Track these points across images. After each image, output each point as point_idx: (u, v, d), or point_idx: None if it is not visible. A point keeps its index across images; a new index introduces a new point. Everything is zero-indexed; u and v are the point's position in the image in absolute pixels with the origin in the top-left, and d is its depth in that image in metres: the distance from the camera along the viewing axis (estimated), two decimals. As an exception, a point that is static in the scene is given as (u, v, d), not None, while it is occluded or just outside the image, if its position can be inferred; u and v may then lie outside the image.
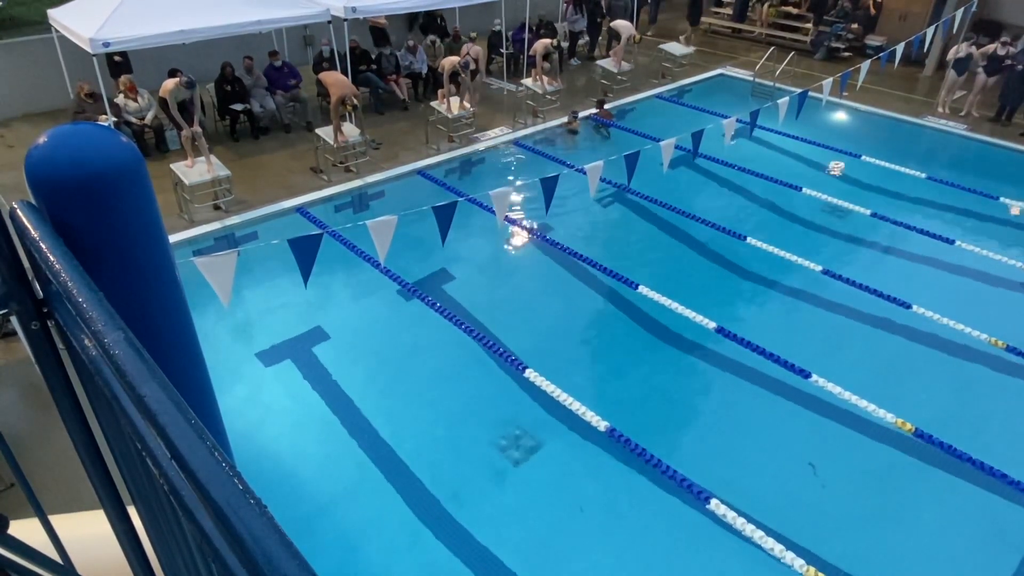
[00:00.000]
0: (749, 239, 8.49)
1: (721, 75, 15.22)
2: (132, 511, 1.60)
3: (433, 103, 11.36)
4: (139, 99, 10.05)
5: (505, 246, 8.41)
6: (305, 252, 5.26)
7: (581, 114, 12.13)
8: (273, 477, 5.27)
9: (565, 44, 15.52)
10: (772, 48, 15.57)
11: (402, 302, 7.32)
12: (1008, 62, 12.60)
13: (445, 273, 7.86)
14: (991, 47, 12.77)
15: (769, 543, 4.64)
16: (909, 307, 7.25)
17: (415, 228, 7.82)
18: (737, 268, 8.33)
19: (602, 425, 5.55)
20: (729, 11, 18.98)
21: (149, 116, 10.11)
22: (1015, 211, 9.69)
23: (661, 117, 12.57)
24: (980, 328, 6.90)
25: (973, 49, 12.79)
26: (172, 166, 8.78)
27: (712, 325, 6.85)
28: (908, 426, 5.72)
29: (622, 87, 13.71)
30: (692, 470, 5.28)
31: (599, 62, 14.44)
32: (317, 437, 5.81)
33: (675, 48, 15.08)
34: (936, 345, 7.03)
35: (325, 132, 9.97)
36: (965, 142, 12.28)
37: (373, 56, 12.37)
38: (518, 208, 9.11)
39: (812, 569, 4.50)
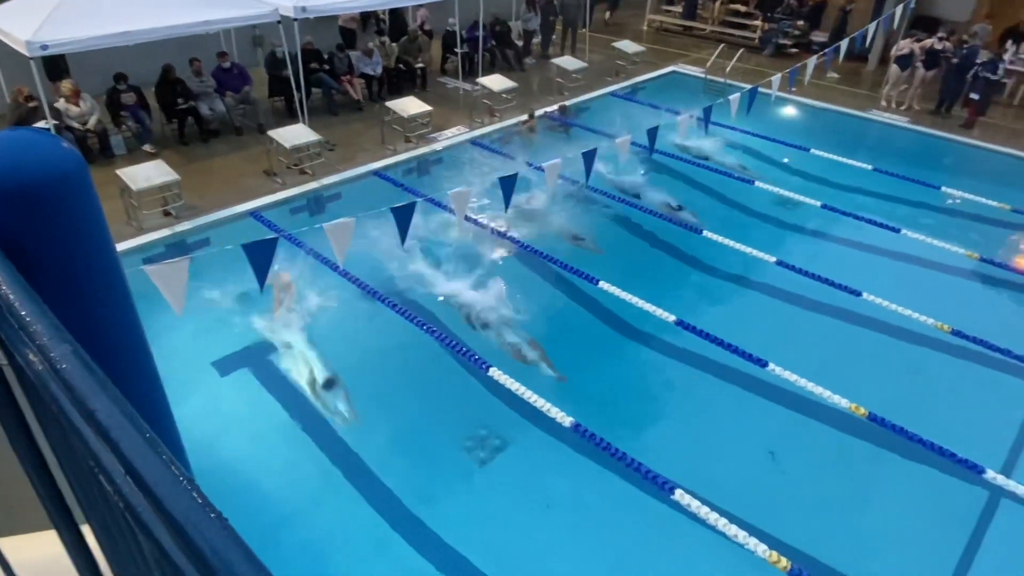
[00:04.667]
0: (705, 232, 8.65)
1: (673, 72, 15.45)
2: (86, 529, 1.54)
3: (389, 103, 11.25)
4: (81, 103, 9.70)
5: (465, 245, 8.38)
6: (260, 257, 5.15)
7: (538, 112, 12.17)
8: (235, 488, 5.15)
9: (520, 43, 15.57)
10: (722, 45, 15.88)
11: (362, 305, 7.22)
12: (945, 56, 13.12)
13: (405, 274, 7.79)
14: (928, 42, 13.28)
15: (732, 530, 4.73)
16: (859, 295, 7.48)
17: (374, 230, 7.76)
18: (695, 261, 8.48)
19: (567, 421, 5.58)
20: (679, 9, 19.29)
21: (92, 121, 9.77)
22: (957, 197, 10.08)
23: (616, 114, 12.69)
24: (926, 313, 7.16)
25: (915, 45, 13.28)
26: (118, 172, 8.49)
27: (672, 318, 6.95)
28: (861, 410, 5.90)
29: (577, 85, 13.80)
30: (657, 462, 5.34)
31: (554, 60, 14.51)
32: (279, 445, 5.70)
33: (627, 46, 15.25)
34: (886, 331, 7.27)
35: (278, 134, 9.79)
36: (908, 134, 12.74)
37: (325, 56, 12.18)
38: (477, 207, 9.09)
39: (775, 553, 4.60)
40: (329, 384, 6.07)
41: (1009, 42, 14.22)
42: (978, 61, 12.59)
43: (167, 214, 8.62)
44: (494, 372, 6.10)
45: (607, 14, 19.73)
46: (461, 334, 6.80)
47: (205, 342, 6.66)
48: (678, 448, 5.78)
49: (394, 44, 13.49)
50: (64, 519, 1.48)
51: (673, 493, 5.01)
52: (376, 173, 10.15)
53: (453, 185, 6.88)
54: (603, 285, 7.48)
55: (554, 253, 8.14)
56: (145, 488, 0.69)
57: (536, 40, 16.14)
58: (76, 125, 9.63)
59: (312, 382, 6.13)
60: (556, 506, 5.31)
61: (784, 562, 4.55)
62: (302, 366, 6.29)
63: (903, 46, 13.33)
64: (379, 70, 12.73)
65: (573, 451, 5.66)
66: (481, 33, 13.48)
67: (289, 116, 11.22)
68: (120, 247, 7.87)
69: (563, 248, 8.42)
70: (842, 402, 5.97)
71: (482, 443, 5.79)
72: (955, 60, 12.91)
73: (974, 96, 12.66)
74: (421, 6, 13.92)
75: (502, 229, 8.61)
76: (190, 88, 10.57)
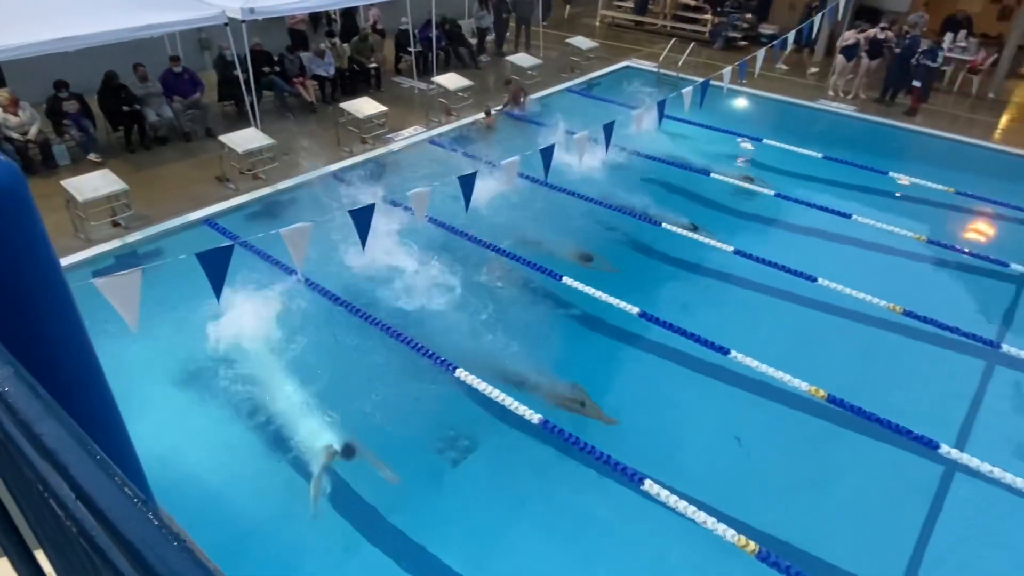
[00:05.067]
0: (664, 224, 8.76)
1: (627, 67, 15.61)
2: (40, 555, 1.48)
3: (343, 104, 11.09)
4: (21, 113, 9.33)
5: (426, 246, 8.33)
6: (215, 266, 5.02)
7: (494, 109, 12.16)
8: (198, 504, 5.02)
9: (474, 41, 15.54)
10: (674, 39, 16.10)
11: (322, 310, 7.12)
12: (888, 46, 13.54)
13: (366, 277, 7.70)
14: (872, 32, 13.68)
15: (702, 517, 4.80)
16: (815, 280, 7.67)
17: (332, 233, 7.65)
18: (655, 253, 8.58)
19: (535, 418, 5.59)
20: (631, 4, 19.49)
21: (33, 131, 9.41)
22: (903, 181, 10.42)
23: (573, 110, 12.77)
24: (879, 296, 7.38)
25: (860, 35, 13.67)
26: (63, 183, 8.19)
27: (635, 310, 7.02)
28: (821, 393, 6.05)
29: (533, 82, 13.83)
30: (626, 454, 5.40)
31: (509, 58, 14.52)
32: (242, 457, 5.58)
33: (581, 42, 15.34)
34: (841, 314, 7.47)
35: (230, 139, 9.57)
36: (855, 122, 13.11)
37: (276, 58, 11.96)
38: (437, 206, 9.03)
39: (743, 538, 4.69)
40: (349, 452, 5.43)
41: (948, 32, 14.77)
42: (919, 50, 13.03)
43: (116, 225, 8.35)
44: (460, 373, 6.08)
45: (567, 7, 19.95)
46: (425, 335, 6.75)
47: (162, 355, 6.48)
48: (646, 439, 5.84)
49: (346, 45, 13.32)
50: (17, 546, 1.42)
51: (643, 484, 5.06)
52: (333, 175, 10.01)
53: (412, 185, 6.82)
54: (566, 280, 7.52)
55: (517, 251, 8.14)
56: (98, 513, 0.66)
57: (490, 38, 16.12)
58: (16, 136, 9.26)
59: (328, 453, 5.40)
60: (528, 502, 5.32)
61: (752, 545, 4.65)
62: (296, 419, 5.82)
63: (848, 37, 13.70)
64: (332, 71, 12.56)
65: (544, 447, 5.67)
66: (434, 32, 13.41)
67: (240, 120, 10.98)
68: (67, 261, 7.60)
69: (521, 243, 8.42)
70: (802, 385, 6.12)
71: (452, 444, 5.77)
72: (897, 49, 13.33)
73: (916, 83, 13.10)
74: (372, 6, 13.76)
75: (462, 228, 8.57)
76: (135, 94, 10.26)
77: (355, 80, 13.11)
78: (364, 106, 11.05)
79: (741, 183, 10.13)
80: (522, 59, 14.29)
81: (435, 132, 11.61)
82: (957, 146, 12.18)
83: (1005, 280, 8.33)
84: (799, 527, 5.10)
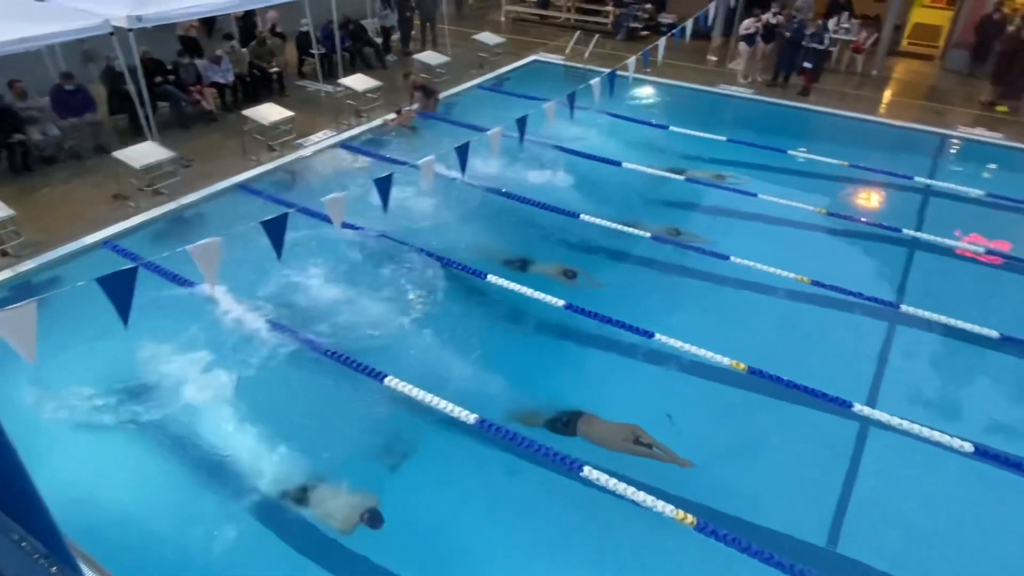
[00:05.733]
0: (582, 216, 8.89)
1: (535, 61, 15.74)
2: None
3: (246, 111, 10.66)
4: None
5: (345, 252, 8.13)
6: (119, 290, 4.72)
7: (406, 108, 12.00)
8: (122, 542, 4.72)
9: (379, 40, 15.27)
10: (578, 32, 16.36)
11: (241, 328, 6.83)
12: (779, 30, 14.22)
13: (285, 289, 7.45)
14: (765, 18, 14.34)
15: (640, 496, 4.91)
16: (727, 259, 7.99)
17: (245, 247, 7.35)
18: (575, 245, 8.70)
19: (471, 418, 5.56)
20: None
21: None
22: (802, 158, 10.99)
23: (485, 106, 12.77)
24: (788, 268, 7.77)
25: (757, 23, 14.30)
26: (-63, 213, 7.51)
27: (561, 303, 7.09)
28: (742, 366, 6.30)
29: (442, 79, 13.73)
30: (562, 443, 5.46)
31: (416, 56, 14.36)
32: (167, 489, 5.29)
33: (488, 38, 15.35)
34: (755, 289, 7.80)
35: (125, 154, 9.03)
36: (754, 104, 13.72)
37: (169, 67, 11.36)
38: (354, 212, 8.83)
39: (680, 512, 4.82)
40: (375, 518, 4.99)
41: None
42: (807, 33, 13.75)
43: (4, 254, 7.73)
44: (391, 381, 5.97)
45: (467, 2, 19.96)
46: (350, 345, 6.60)
47: (67, 390, 6.04)
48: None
49: (244, 49, 12.81)
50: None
51: (582, 471, 5.13)
52: (241, 187, 9.61)
53: (327, 191, 6.62)
54: (491, 278, 7.51)
55: (439, 251, 8.08)
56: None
57: (395, 37, 15.90)
58: None
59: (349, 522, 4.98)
60: (472, 501, 5.30)
61: (690, 518, 4.79)
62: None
63: (748, 25, 14.31)
64: (231, 77, 12.05)
65: (482, 445, 5.65)
66: (337, 33, 13.08)
67: (135, 134, 10.37)
68: (-50, 297, 6.98)
69: (442, 243, 8.36)
70: (724, 360, 6.35)
71: (389, 451, 5.67)
72: (787, 33, 14.02)
73: (807, 65, 13.82)
74: (270, 8, 13.27)
75: (382, 231, 8.41)
76: (15, 113, 9.51)
77: (257, 86, 12.64)
78: (269, 112, 10.67)
79: (653, 171, 10.40)
80: (429, 57, 14.16)
81: (346, 135, 11.35)
82: (848, 122, 12.95)
83: (899, 244, 8.92)
84: (732, 495, 5.30)
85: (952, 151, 11.97)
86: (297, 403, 6.06)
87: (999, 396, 6.60)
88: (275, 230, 5.43)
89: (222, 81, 11.94)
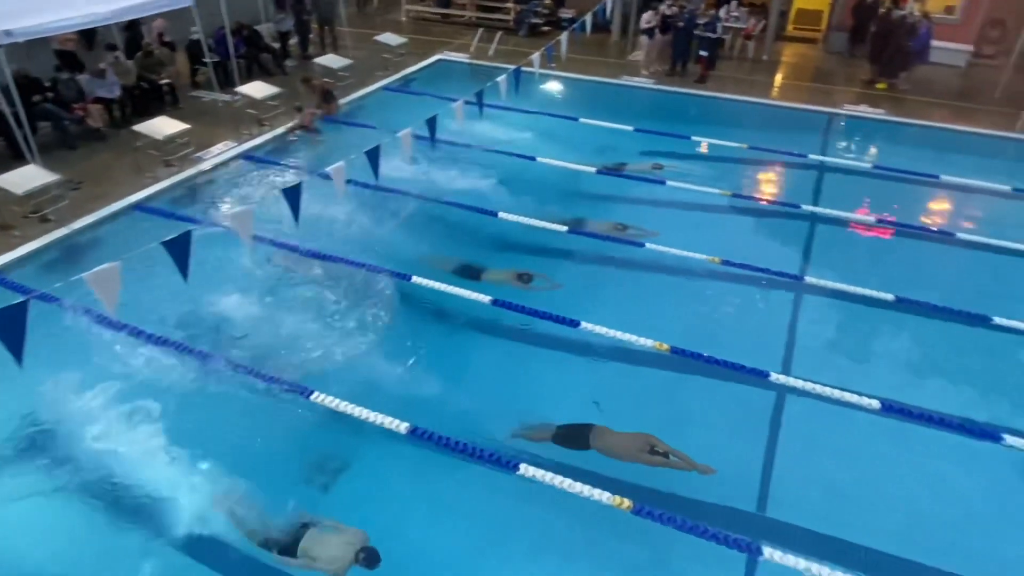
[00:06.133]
0: (500, 214, 8.91)
1: (440, 60, 15.64)
2: None
3: (137, 127, 10.06)
4: None
5: (258, 267, 7.83)
6: (10, 326, 4.36)
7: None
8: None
9: (276, 45, 14.78)
10: (481, 29, 16.37)
11: (149, 356, 6.44)
12: (673, 21, 14.70)
13: (194, 311, 7.08)
14: (661, 9, 14.81)
15: (577, 487, 4.97)
16: (642, 246, 8.21)
17: (148, 270, 6.96)
18: (496, 242, 8.71)
19: (403, 428, 5.47)
20: (433, -3, 19.55)
21: None
22: (704, 144, 11.42)
23: (392, 108, 12.58)
24: (699, 251, 8.07)
25: (656, 17, 14.73)
26: None
27: (487, 299, 7.08)
28: (664, 346, 6.49)
29: (346, 83, 13.44)
30: (496, 442, 5.45)
31: (317, 60, 13.98)
32: (85, 534, 4.94)
33: (390, 39, 15.13)
34: (670, 272, 8.06)
35: (4, 180, 8.34)
36: (656, 94, 14.14)
37: (47, 84, 10.58)
38: (264, 225, 8.52)
39: (617, 497, 4.91)
40: (372, 560, 4.61)
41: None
42: (699, 22, 14.29)
43: None
44: (317, 396, 5.79)
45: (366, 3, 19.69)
46: (270, 363, 6.35)
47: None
48: (514, 423, 5.94)
49: (130, 61, 12.09)
50: None
51: (518, 469, 5.15)
52: (137, 207, 9.07)
53: (232, 206, 6.37)
54: (415, 280, 7.42)
55: (358, 258, 7.90)
56: None
57: (293, 41, 15.41)
58: None
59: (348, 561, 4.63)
60: (411, 510, 5.21)
61: (627, 502, 4.89)
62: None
63: (648, 18, 14.72)
64: (117, 91, 11.35)
65: (417, 454, 5.58)
66: (230, 39, 12.55)
67: (15, 158, 9.59)
68: None
69: (361, 250, 8.19)
70: (648, 343, 6.52)
71: (321, 469, 5.50)
72: (681, 24, 14.52)
73: (703, 53, 14.37)
74: (157, 17, 12.57)
75: (296, 243, 8.14)
76: None
77: (147, 99, 11.96)
78: (162, 126, 10.13)
79: (566, 164, 10.53)
80: (331, 61, 13.82)
81: (249, 145, 10.92)
82: (744, 106, 13.56)
83: (799, 220, 9.42)
84: (664, 474, 5.45)
85: (840, 128, 12.74)
86: (217, 430, 5.77)
87: (898, 353, 7.08)
88: (179, 250, 5.16)
89: (108, 96, 11.23)
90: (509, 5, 18.30)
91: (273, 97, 11.76)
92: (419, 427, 5.49)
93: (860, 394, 5.89)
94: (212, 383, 6.15)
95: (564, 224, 8.67)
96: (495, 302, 7.05)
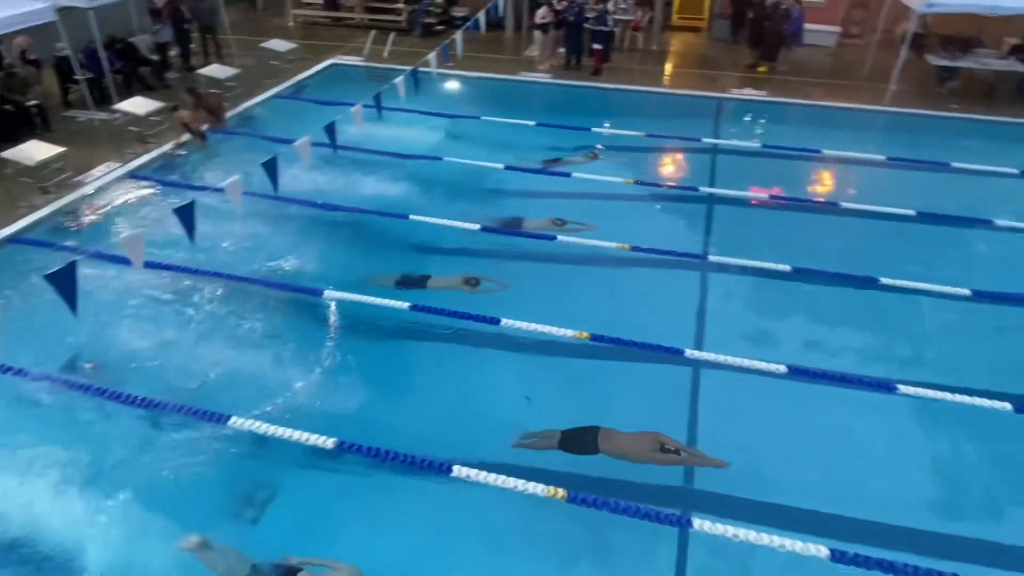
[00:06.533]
0: (412, 216, 8.80)
1: (333, 65, 15.26)
2: None
3: (4, 153, 9.25)
4: None
5: (155, 294, 7.38)
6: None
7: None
8: None
9: (156, 57, 13.97)
10: (373, 31, 16.09)
11: (41, 400, 5.94)
12: (564, 16, 14.95)
13: (91, 346, 6.61)
14: (553, 2, 15.03)
15: (512, 483, 4.98)
16: (554, 239, 8.33)
17: (32, 306, 6.43)
18: (409, 245, 8.61)
19: (329, 443, 5.31)
20: (321, 0, 19.02)
21: None
22: (605, 134, 11.69)
23: (287, 116, 12.17)
24: (609, 239, 8.28)
25: (550, 12, 14.90)
26: None
27: (406, 305, 6.98)
28: (584, 335, 6.61)
29: (235, 93, 12.88)
30: (428, 447, 5.39)
31: (201, 71, 13.32)
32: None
33: (278, 45, 14.64)
34: (584, 262, 8.22)
35: None
36: (554, 88, 14.37)
37: None
38: (159, 248, 8.04)
39: (552, 488, 4.97)
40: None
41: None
42: (589, 16, 14.61)
43: None
44: (235, 421, 5.53)
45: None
46: (182, 394, 6.02)
47: None
48: (445, 426, 5.90)
49: (-10, 83, 11.11)
50: None
51: (451, 471, 5.11)
52: (13, 240, 8.35)
53: (122, 230, 5.97)
54: (328, 294, 7.21)
55: (265, 275, 7.60)
56: None
57: (174, 52, 14.62)
58: None
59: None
60: (347, 527, 5.08)
61: (561, 492, 4.95)
62: None
63: (543, 14, 14.86)
64: (-25, 116, 10.40)
65: (347, 469, 5.44)
66: (103, 54, 11.75)
67: None
68: None
69: (267, 267, 7.89)
70: (568, 333, 6.62)
71: (248, 502, 5.24)
72: (571, 18, 14.79)
73: (597, 46, 14.71)
74: (17, 33, 11.58)
75: (194, 265, 7.73)
76: None
77: (13, 123, 10.99)
78: (33, 151, 9.37)
79: (472, 162, 10.52)
80: (216, 71, 13.20)
81: (135, 164, 10.27)
82: (639, 95, 13.98)
83: (698, 202, 9.83)
84: (594, 461, 5.55)
85: (729, 112, 13.37)
86: (129, 470, 5.41)
87: (799, 320, 7.51)
88: (64, 282, 4.79)
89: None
90: (400, 6, 18.08)
91: (156, 112, 11.13)
92: (346, 441, 5.34)
93: (768, 361, 6.21)
94: (116, 419, 5.76)
95: (483, 223, 8.66)
96: (413, 307, 6.96)
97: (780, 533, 4.52)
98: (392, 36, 15.73)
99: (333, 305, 7.25)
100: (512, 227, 8.82)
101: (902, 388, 6.01)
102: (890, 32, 15.39)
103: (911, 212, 9.11)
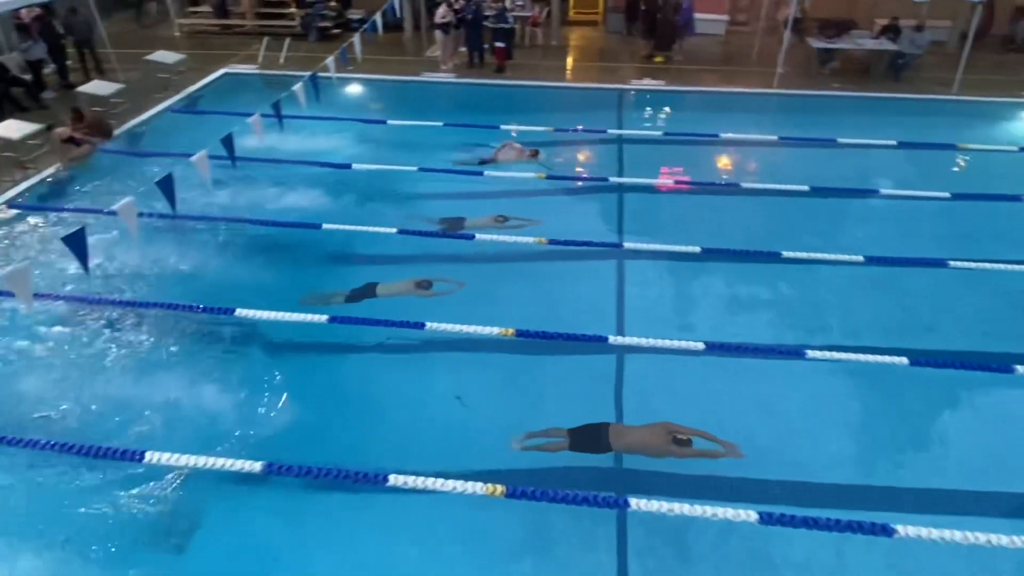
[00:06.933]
0: (324, 225, 8.55)
1: (227, 74, 14.65)
2: None
3: None
4: None
5: (51, 331, 6.87)
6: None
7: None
8: None
9: (28, 76, 12.97)
10: (267, 38, 15.56)
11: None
12: (461, 15, 14.95)
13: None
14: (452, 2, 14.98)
15: (450, 484, 4.92)
16: (472, 238, 8.32)
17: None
18: (323, 255, 8.40)
19: (257, 467, 5.09)
20: (209, 8, 18.21)
21: None
22: (514, 131, 11.77)
23: (181, 131, 11.58)
24: (526, 234, 8.36)
25: (450, 12, 14.81)
26: None
27: (323, 318, 6.78)
28: (510, 332, 6.61)
29: (122, 109, 12.14)
30: (362, 459, 5.27)
31: (81, 88, 12.47)
32: None
33: (165, 56, 13.91)
34: (503, 259, 8.26)
35: None
36: (458, 88, 14.34)
37: None
38: (47, 281, 7.47)
39: (490, 485, 4.94)
40: None
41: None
42: (488, 14, 14.67)
43: None
44: (152, 456, 5.21)
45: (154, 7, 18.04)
46: (90, 431, 5.63)
47: None
48: (378, 436, 5.79)
49: None
50: None
51: (387, 480, 5.01)
52: None
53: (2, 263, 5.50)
54: (240, 313, 6.89)
55: (169, 300, 7.20)
56: None
57: (49, 70, 13.62)
58: None
59: None
60: (283, 550, 4.90)
61: (500, 488, 4.94)
62: None
63: (443, 13, 14.75)
64: None
65: (279, 491, 5.25)
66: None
67: None
68: None
69: (170, 291, 7.49)
70: (494, 331, 6.61)
71: (169, 532, 4.97)
72: (470, 17, 14.81)
73: (499, 44, 14.77)
74: None
75: (91, 296, 7.25)
76: None
77: None
78: None
79: (383, 167, 10.35)
80: (98, 87, 12.41)
81: (12, 193, 9.50)
82: (543, 91, 14.18)
83: (609, 191, 10.06)
84: (528, 457, 5.59)
85: (631, 102, 13.75)
86: (42, 518, 5.02)
87: (712, 298, 7.82)
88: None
89: None
90: (292, 10, 17.55)
91: (33, 135, 10.34)
92: (274, 463, 5.14)
93: (686, 340, 6.43)
94: (20, 467, 5.32)
95: (399, 227, 8.52)
96: (332, 319, 6.77)
97: (712, 503, 4.68)
98: (287, 42, 15.25)
99: (247, 325, 6.94)
100: (455, 226, 8.79)
101: (810, 353, 6.35)
102: (773, 19, 16.27)
103: (805, 188, 9.65)
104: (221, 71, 14.66)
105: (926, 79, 14.30)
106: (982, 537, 4.25)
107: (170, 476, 5.31)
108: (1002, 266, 7.60)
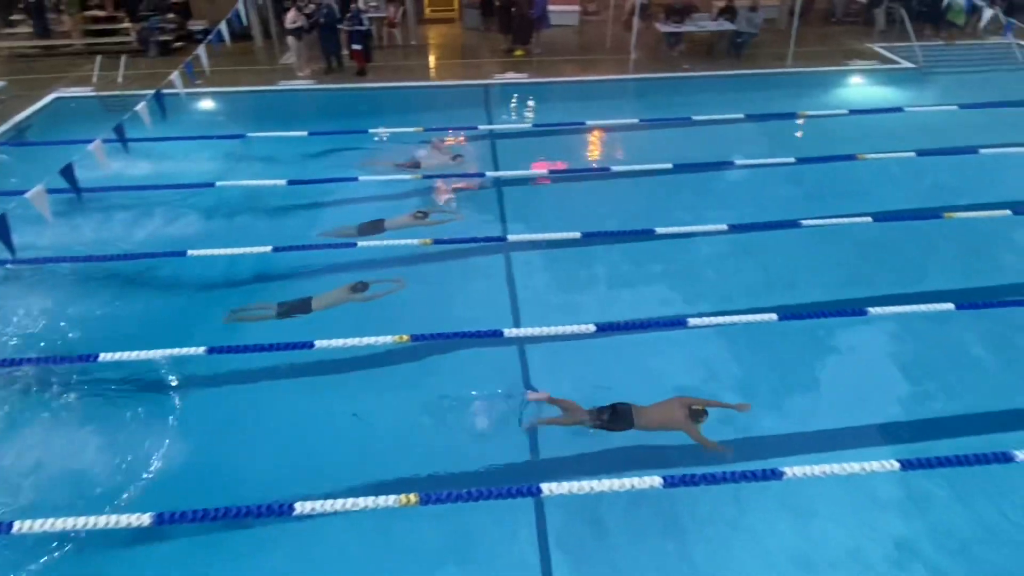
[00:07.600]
0: (190, 252, 7.99)
1: (58, 99, 13.36)
2: None
3: None
4: None
5: None
6: None
7: None
8: None
9: None
10: (99, 57, 14.34)
11: None
12: (312, 18, 14.46)
13: None
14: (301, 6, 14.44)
15: (361, 503, 4.77)
16: (354, 245, 8.10)
17: None
18: (193, 284, 7.89)
19: (146, 520, 4.69)
20: (28, 28, 16.49)
21: None
22: (383, 134, 11.56)
23: (10, 166, 10.45)
24: (409, 237, 8.24)
25: (300, 15, 14.24)
26: None
27: (202, 350, 6.33)
28: (405, 337, 6.48)
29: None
30: (266, 492, 5.01)
31: None
32: None
33: (-20, 83, 12.49)
34: (390, 265, 8.07)
35: None
36: (320, 94, 13.91)
37: None
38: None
39: (403, 496, 4.81)
40: None
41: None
42: (337, 17, 14.26)
43: None
44: (22, 526, 4.67)
45: None
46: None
47: None
48: (277, 466, 5.53)
49: None
50: None
51: (294, 510, 4.79)
52: None
53: None
54: (104, 357, 6.28)
55: (22, 354, 6.49)
56: None
57: None
58: None
59: None
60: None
61: (413, 497, 4.85)
62: None
63: (293, 18, 14.13)
64: None
65: (178, 543, 4.90)
66: None
67: None
68: None
69: (22, 343, 6.77)
70: (387, 340, 6.46)
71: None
72: (322, 20, 14.35)
73: (357, 47, 14.41)
74: None
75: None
76: None
77: None
78: None
79: (249, 183, 9.84)
80: None
81: None
82: (408, 91, 14.03)
83: (487, 186, 10.13)
84: (437, 463, 5.54)
85: (497, 97, 13.89)
86: None
87: (595, 283, 8.09)
88: None
89: None
90: (126, 26, 16.25)
91: None
92: (164, 512, 4.76)
93: (578, 324, 6.59)
94: None
95: (264, 245, 8.12)
96: (211, 350, 6.33)
97: (619, 476, 4.85)
98: (124, 59, 14.12)
99: (114, 368, 6.38)
100: (375, 227, 8.59)
101: (691, 321, 6.70)
102: (621, 7, 17.00)
103: (668, 165, 10.17)
104: (51, 96, 13.35)
105: (764, 55, 15.50)
106: (856, 466, 4.68)
107: (53, 544, 4.80)
108: (847, 220, 8.39)
